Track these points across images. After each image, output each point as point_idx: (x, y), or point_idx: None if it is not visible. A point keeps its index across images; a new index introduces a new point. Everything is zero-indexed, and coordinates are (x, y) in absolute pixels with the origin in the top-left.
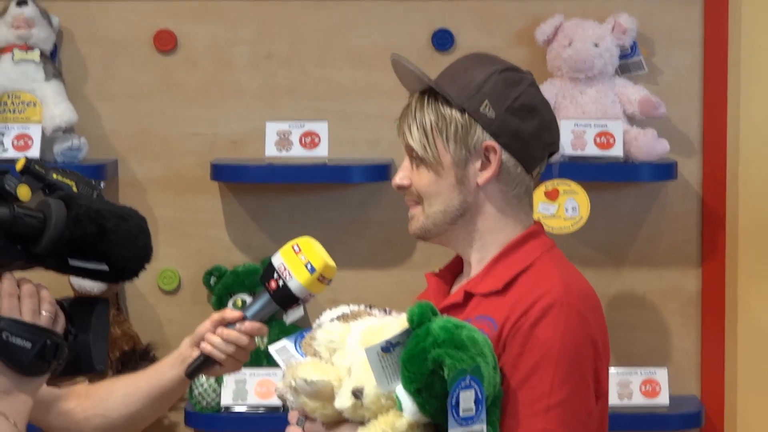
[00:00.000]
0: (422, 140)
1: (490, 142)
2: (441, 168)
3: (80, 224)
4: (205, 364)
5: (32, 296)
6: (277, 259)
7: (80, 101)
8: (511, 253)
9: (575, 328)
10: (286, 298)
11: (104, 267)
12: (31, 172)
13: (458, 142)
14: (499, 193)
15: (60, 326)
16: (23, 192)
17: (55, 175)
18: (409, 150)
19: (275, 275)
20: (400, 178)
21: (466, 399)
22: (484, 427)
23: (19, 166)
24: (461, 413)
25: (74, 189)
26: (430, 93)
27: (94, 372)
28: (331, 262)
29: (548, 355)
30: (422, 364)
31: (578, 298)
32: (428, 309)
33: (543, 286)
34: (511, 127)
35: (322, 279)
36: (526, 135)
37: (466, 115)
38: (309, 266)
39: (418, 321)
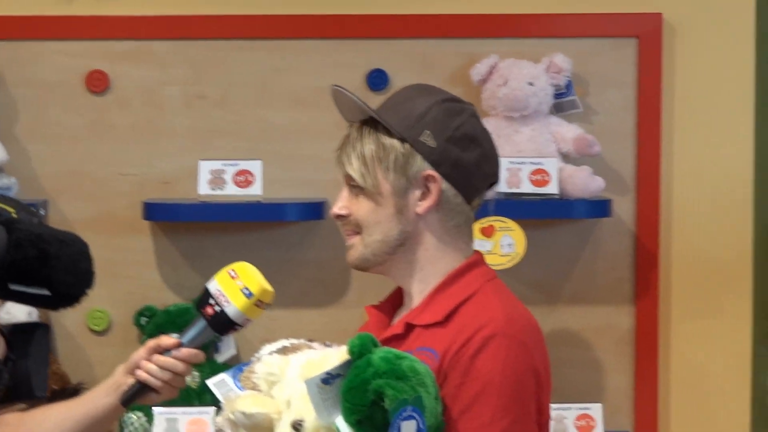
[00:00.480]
0: (361, 169)
1: (431, 171)
2: (380, 197)
3: (21, 248)
4: (140, 391)
5: None
6: (213, 285)
7: (11, 142)
8: (452, 283)
9: (517, 359)
10: (222, 324)
11: (46, 292)
12: None
13: (398, 172)
14: (438, 223)
15: (0, 351)
16: None
17: None
18: (348, 179)
19: (211, 301)
20: (338, 207)
21: (408, 430)
22: None
23: None
24: None
25: (14, 215)
26: (371, 123)
27: (34, 398)
28: (269, 287)
29: (490, 386)
30: (363, 395)
31: (520, 328)
32: (369, 340)
33: (484, 316)
34: (452, 157)
35: (260, 304)
36: (466, 165)
37: (407, 144)
38: (246, 291)
39: (359, 352)
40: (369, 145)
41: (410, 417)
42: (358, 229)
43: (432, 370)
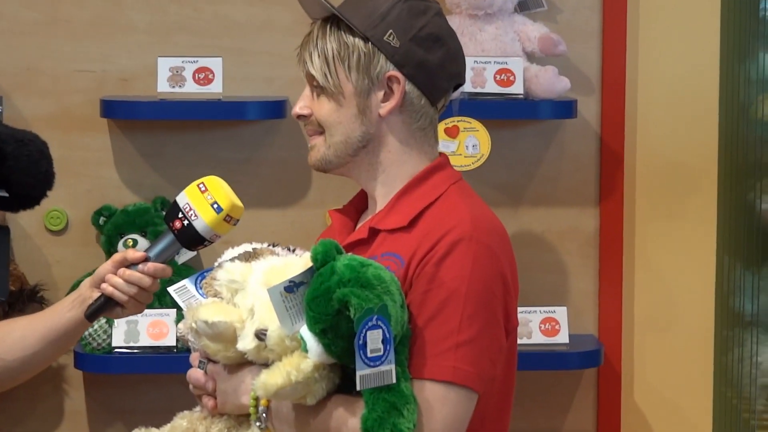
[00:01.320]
0: (323, 68)
1: (394, 72)
2: (342, 97)
3: None
4: (105, 305)
5: None
6: (182, 198)
7: None
8: (417, 186)
9: (484, 264)
10: (191, 238)
11: (4, 193)
12: None
13: (360, 72)
14: (402, 125)
15: None
16: None
17: None
18: (310, 79)
19: (180, 215)
20: (300, 107)
21: (374, 339)
22: (393, 367)
23: None
24: (369, 353)
25: None
26: (333, 21)
27: None
28: (238, 202)
29: (456, 293)
30: (327, 304)
31: (487, 232)
32: (333, 247)
33: (450, 220)
34: (416, 57)
35: (229, 219)
36: (431, 65)
37: (370, 44)
38: (215, 206)
39: (323, 260)
40: (331, 43)
41: (376, 326)
42: (320, 129)
43: (397, 277)
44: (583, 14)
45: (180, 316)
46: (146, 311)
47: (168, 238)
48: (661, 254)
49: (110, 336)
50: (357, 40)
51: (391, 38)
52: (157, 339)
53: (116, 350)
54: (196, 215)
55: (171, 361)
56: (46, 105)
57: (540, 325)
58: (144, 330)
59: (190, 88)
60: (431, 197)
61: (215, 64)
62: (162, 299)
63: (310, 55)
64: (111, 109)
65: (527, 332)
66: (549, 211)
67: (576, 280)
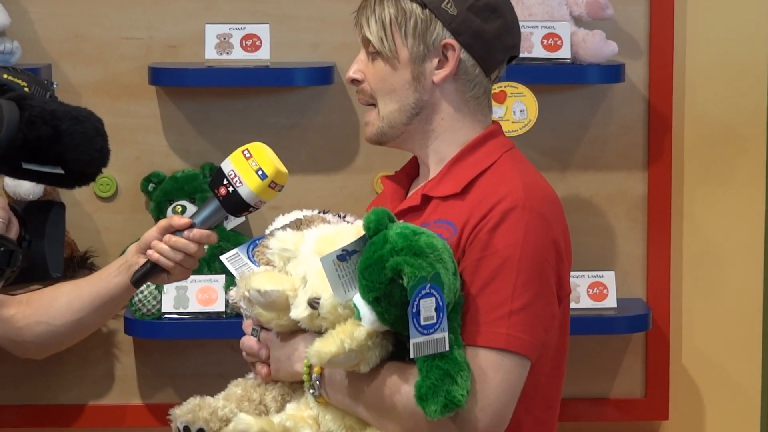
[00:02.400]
0: (380, 33)
1: (450, 39)
2: (397, 62)
3: (34, 126)
4: (151, 271)
5: None
6: (227, 165)
7: (13, 5)
8: (470, 153)
9: (537, 232)
10: (236, 205)
11: (59, 170)
12: None
13: (417, 38)
14: (455, 93)
15: (13, 232)
16: None
17: (5, 75)
18: (366, 43)
19: (225, 181)
20: (353, 71)
21: (427, 307)
22: (446, 335)
23: None
24: (422, 321)
25: (26, 90)
26: None
27: (49, 279)
28: (283, 168)
29: (510, 260)
30: (380, 272)
31: (540, 200)
32: (385, 215)
33: (503, 188)
34: (473, 27)
35: (274, 185)
36: (487, 36)
37: (427, 10)
38: (260, 172)
39: (375, 228)
40: (389, 8)
41: (429, 294)
42: (372, 100)
43: (450, 244)
44: None
45: (229, 283)
46: (195, 277)
47: (213, 205)
48: (709, 218)
49: (160, 302)
50: (415, 5)
51: (448, 6)
52: (206, 305)
53: (166, 316)
54: (241, 182)
55: (220, 327)
56: (94, 72)
57: (588, 290)
58: (193, 296)
59: (238, 55)
60: (484, 164)
61: (262, 30)
62: (211, 265)
63: (367, 20)
64: (159, 76)
65: (575, 297)
66: (597, 175)
67: (624, 244)
